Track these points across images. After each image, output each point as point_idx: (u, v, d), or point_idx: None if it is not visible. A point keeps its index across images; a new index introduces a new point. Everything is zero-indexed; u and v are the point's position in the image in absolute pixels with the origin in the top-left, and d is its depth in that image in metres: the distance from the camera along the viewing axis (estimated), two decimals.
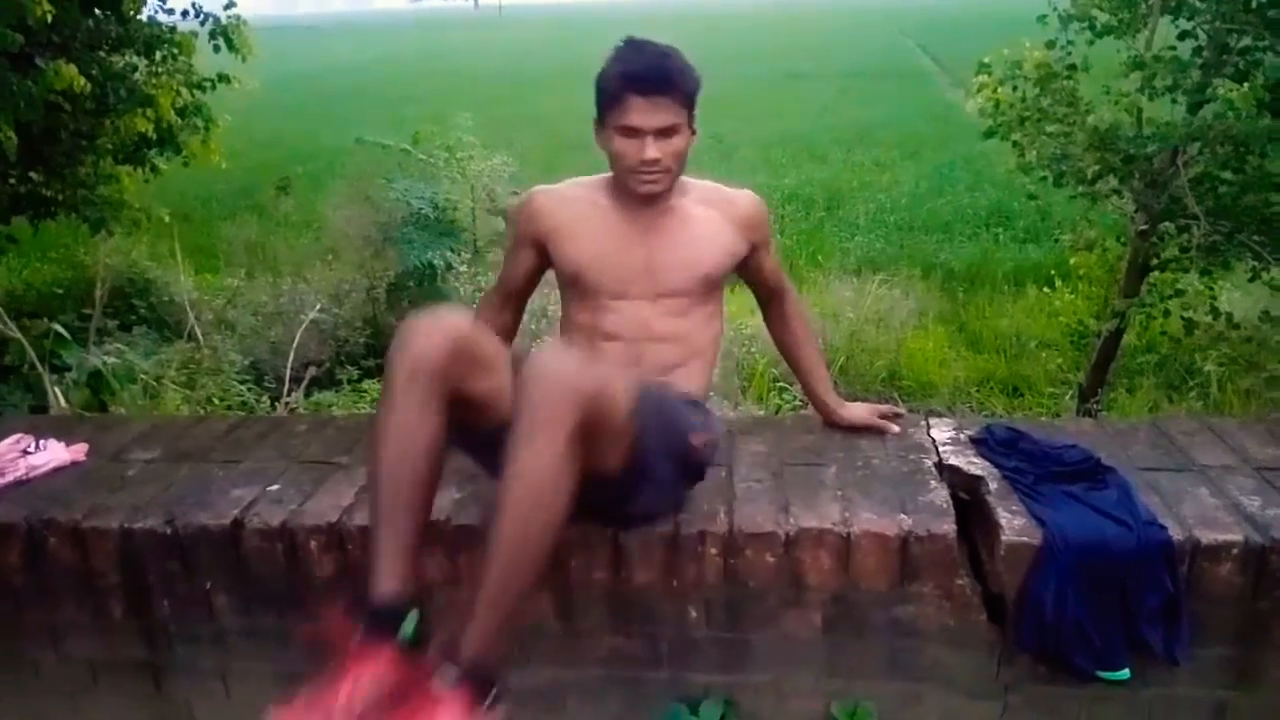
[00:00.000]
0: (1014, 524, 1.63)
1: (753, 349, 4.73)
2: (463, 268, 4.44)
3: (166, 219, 6.61)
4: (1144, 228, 3.93)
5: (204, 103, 5.30)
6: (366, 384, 4.17)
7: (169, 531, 1.76)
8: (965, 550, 1.71)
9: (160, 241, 9.00)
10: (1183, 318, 3.92)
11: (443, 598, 1.74)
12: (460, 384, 1.50)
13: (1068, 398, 5.52)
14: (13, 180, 4.22)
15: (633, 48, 1.69)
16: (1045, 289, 6.82)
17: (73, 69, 3.13)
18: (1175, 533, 1.58)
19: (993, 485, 1.75)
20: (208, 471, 1.96)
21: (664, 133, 1.67)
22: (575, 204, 1.82)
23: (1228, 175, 3.68)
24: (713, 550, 1.65)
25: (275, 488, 1.87)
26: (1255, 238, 3.55)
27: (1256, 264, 3.65)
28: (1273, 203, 3.79)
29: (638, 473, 1.55)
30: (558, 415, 1.34)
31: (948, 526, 1.63)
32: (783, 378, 5.09)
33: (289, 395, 3.70)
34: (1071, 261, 4.97)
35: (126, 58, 4.10)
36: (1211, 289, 3.85)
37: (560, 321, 1.93)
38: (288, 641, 1.81)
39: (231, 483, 1.90)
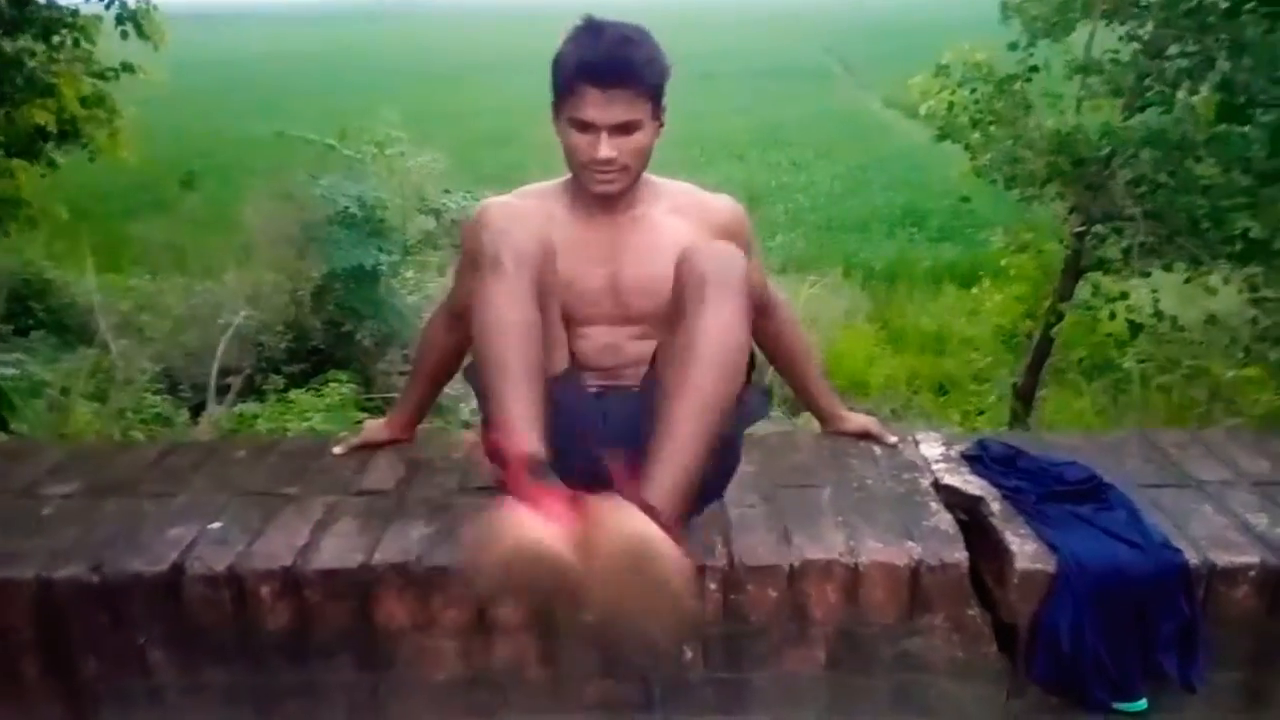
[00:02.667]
0: (1025, 549, 1.55)
1: None
2: (409, 272, 4.22)
3: (65, 216, 6.18)
4: (1080, 229, 3.97)
5: (106, 93, 4.95)
6: (294, 394, 3.92)
7: (96, 580, 1.56)
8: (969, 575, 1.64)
9: (58, 240, 8.46)
10: (1128, 320, 3.98)
11: (409, 645, 1.58)
12: (539, 298, 1.47)
13: (993, 397, 5.60)
14: None
15: (591, 31, 1.53)
16: (972, 289, 6.93)
17: None
18: (1190, 555, 1.53)
19: (995, 506, 1.68)
20: (137, 507, 1.75)
21: (622, 129, 1.52)
22: (531, 215, 1.62)
23: (1163, 178, 3.74)
24: (711, 585, 1.54)
25: (217, 525, 1.67)
26: (1191, 240, 3.62)
27: (1192, 267, 3.72)
28: (1201, 205, 3.87)
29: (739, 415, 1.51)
30: (740, 287, 1.41)
31: (959, 555, 1.54)
32: None
33: (213, 406, 3.44)
34: (1003, 263, 5.03)
35: (20, 42, 3.76)
36: (1155, 292, 3.92)
37: None
38: (236, 698, 1.63)
39: (167, 520, 1.69)
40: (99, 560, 1.58)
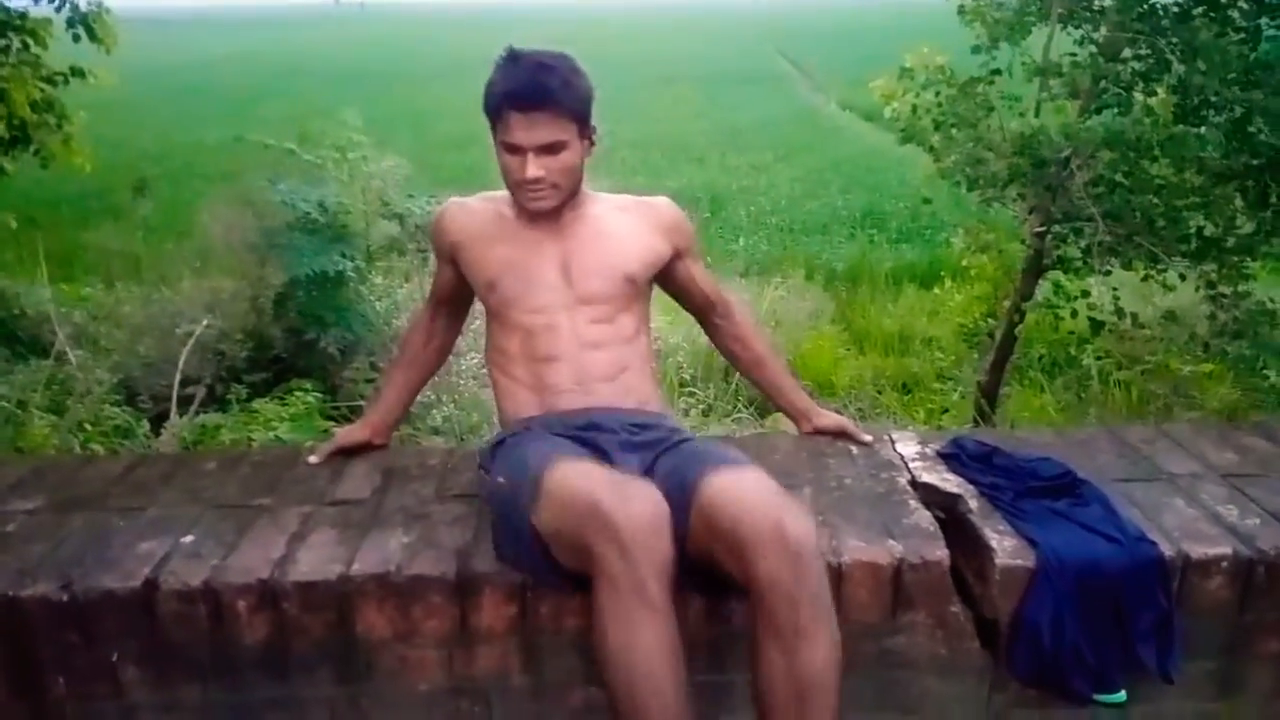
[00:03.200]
0: (1005, 546, 1.57)
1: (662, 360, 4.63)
2: (377, 278, 4.17)
3: (14, 225, 6.02)
4: (1040, 230, 4.03)
5: (55, 98, 4.83)
6: (258, 403, 3.85)
7: (65, 599, 1.52)
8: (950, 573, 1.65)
9: (7, 249, 8.23)
10: (1089, 318, 4.05)
11: (391, 655, 1.56)
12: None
13: (957, 395, 5.67)
14: None
15: (511, 61, 1.62)
16: (934, 289, 7.00)
17: None
18: (1165, 548, 1.55)
19: (973, 504, 1.70)
20: (106, 522, 1.71)
21: (547, 149, 1.61)
22: (483, 216, 1.76)
23: (1119, 178, 3.82)
24: (692, 588, 1.53)
25: (190, 539, 1.64)
26: (1149, 238, 3.70)
27: (1150, 265, 3.80)
28: (1157, 205, 3.95)
29: None
30: (828, 599, 1.34)
31: (940, 552, 1.56)
32: (692, 382, 5.03)
33: (174, 418, 3.36)
34: (964, 263, 5.09)
35: None
36: (1115, 290, 3.99)
37: (489, 354, 1.80)
38: (213, 714, 1.59)
39: (137, 534, 1.66)
40: (68, 577, 1.54)
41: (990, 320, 4.82)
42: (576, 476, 1.41)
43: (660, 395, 1.80)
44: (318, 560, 1.57)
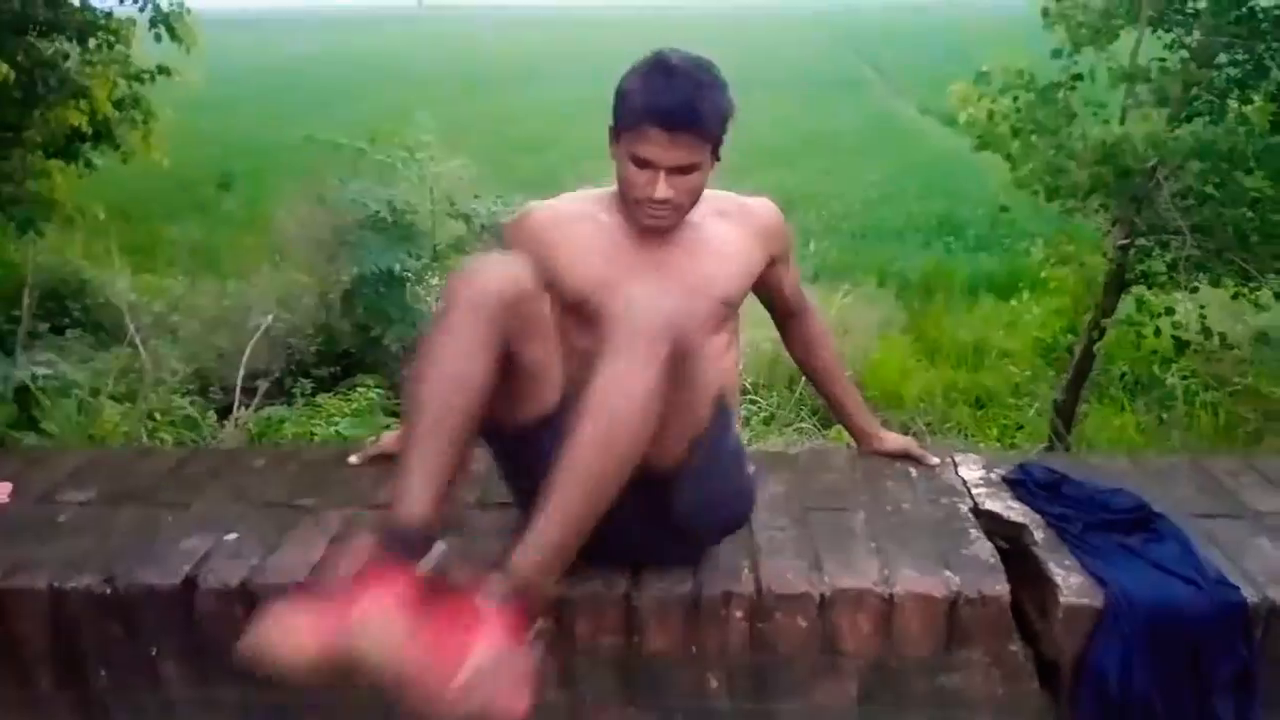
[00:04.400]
0: (1071, 583, 1.47)
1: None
2: (434, 280, 4.19)
3: (102, 216, 6.23)
4: (1123, 242, 3.85)
5: (142, 96, 4.98)
6: (321, 398, 3.90)
7: (108, 592, 1.52)
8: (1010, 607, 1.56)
9: (96, 240, 8.55)
10: (1174, 337, 3.86)
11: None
12: (513, 340, 1.35)
13: (1032, 411, 5.47)
14: None
15: (662, 72, 1.47)
16: (1011, 300, 6.78)
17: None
18: (1248, 592, 1.44)
19: (1038, 535, 1.60)
20: (153, 517, 1.72)
21: (681, 170, 1.50)
22: (577, 222, 1.63)
23: (1210, 190, 3.63)
24: (738, 613, 1.47)
25: (232, 537, 1.64)
26: (1240, 254, 3.51)
27: (1241, 282, 3.60)
28: (1250, 219, 3.75)
29: (695, 475, 1.40)
30: (657, 337, 1.27)
31: (1000, 587, 1.47)
32: (754, 389, 4.94)
33: (238, 410, 3.42)
34: (1043, 275, 4.91)
35: (57, 44, 3.78)
36: (1203, 308, 3.80)
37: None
38: (249, 714, 1.59)
39: (182, 530, 1.66)
40: (111, 571, 1.55)
41: (1069, 335, 4.63)
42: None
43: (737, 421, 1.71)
44: (355, 565, 1.54)
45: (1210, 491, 1.76)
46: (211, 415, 3.80)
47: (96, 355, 4.76)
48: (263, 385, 3.76)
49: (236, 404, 3.39)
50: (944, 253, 10.31)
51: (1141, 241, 3.84)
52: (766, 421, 4.76)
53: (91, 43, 4.02)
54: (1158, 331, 3.94)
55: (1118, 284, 4.02)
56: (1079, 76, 3.47)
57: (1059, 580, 1.47)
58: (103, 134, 4.20)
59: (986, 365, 6.74)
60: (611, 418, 1.24)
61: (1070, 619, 1.44)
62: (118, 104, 4.67)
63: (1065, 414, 4.37)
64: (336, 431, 3.40)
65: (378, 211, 4.36)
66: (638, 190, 1.52)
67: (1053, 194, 3.59)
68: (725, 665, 1.50)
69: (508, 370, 1.37)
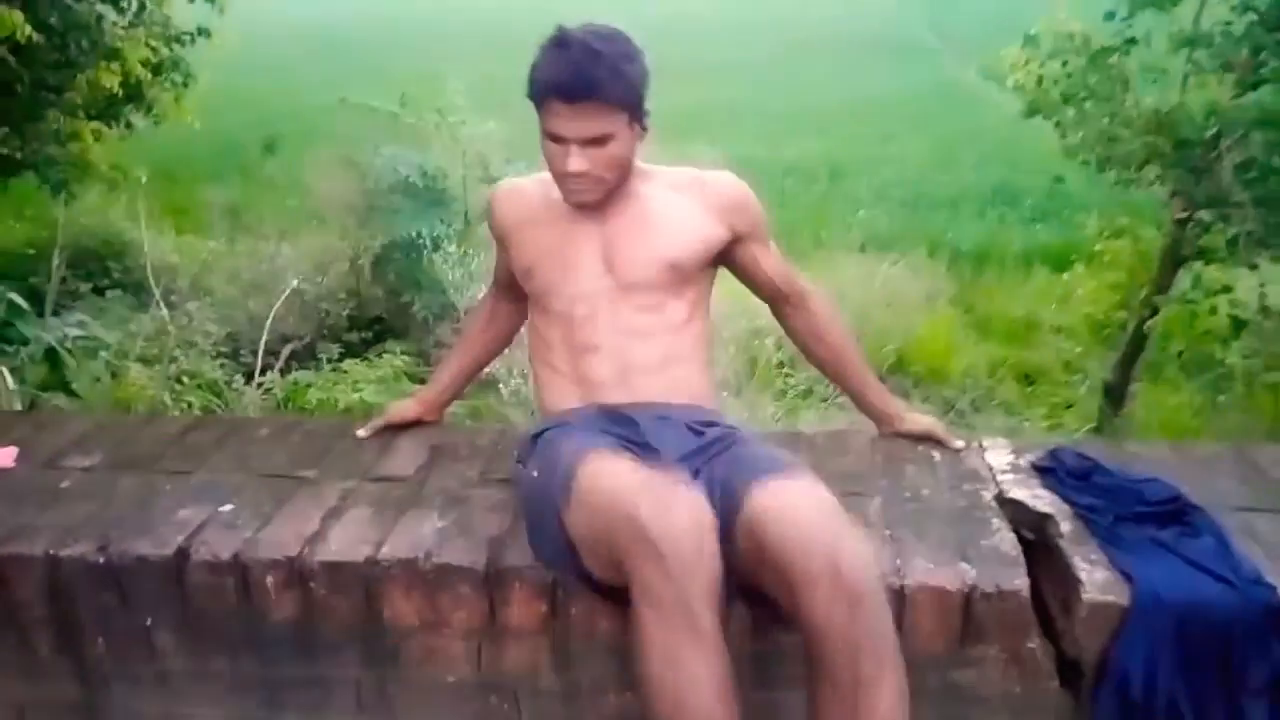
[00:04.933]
0: (1095, 578, 1.38)
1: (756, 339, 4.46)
2: (451, 248, 4.14)
3: (144, 179, 6.29)
4: (1181, 216, 3.66)
5: (181, 58, 4.98)
6: (348, 363, 3.89)
7: (102, 561, 1.51)
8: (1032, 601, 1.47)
9: (140, 202, 8.65)
10: (1231, 315, 3.68)
11: (418, 644, 1.49)
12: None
13: (1084, 390, 5.30)
14: None
15: (558, 46, 1.44)
16: (1061, 274, 6.56)
17: (17, 15, 2.81)
18: None
19: (1064, 526, 1.51)
20: (153, 484, 1.70)
21: (593, 141, 1.46)
22: (530, 200, 1.64)
23: (1275, 162, 3.42)
24: (737, 600, 1.40)
25: (228, 508, 1.61)
26: None
27: None
28: None
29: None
30: (893, 641, 1.19)
31: (1019, 581, 1.38)
32: (790, 363, 4.84)
33: (262, 374, 3.41)
34: (1097, 248, 4.71)
35: (93, 6, 3.77)
36: (1263, 285, 3.61)
37: (531, 342, 1.69)
38: (242, 687, 1.57)
39: (179, 500, 1.64)
40: (107, 540, 1.53)
41: (1122, 312, 4.45)
42: (611, 476, 1.30)
43: (714, 390, 1.65)
44: (348, 540, 1.51)
45: (1254, 483, 1.65)
46: (239, 378, 3.81)
47: (134, 317, 4.82)
48: (285, 350, 3.75)
49: (257, 369, 3.38)
50: (998, 223, 10.02)
51: (1201, 215, 3.65)
52: (804, 395, 4.66)
53: (124, 3, 4.00)
54: (1214, 310, 3.76)
55: (1174, 259, 3.83)
56: (1133, 41, 3.27)
57: (1083, 576, 1.38)
58: (136, 97, 4.20)
59: (1038, 341, 6.55)
60: None
61: (1093, 616, 1.35)
62: (156, 67, 4.68)
63: (1115, 394, 4.21)
64: (361, 398, 3.39)
65: (408, 176, 4.32)
66: (556, 165, 1.50)
67: (1103, 164, 3.41)
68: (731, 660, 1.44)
69: None
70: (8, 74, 3.51)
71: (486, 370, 2.46)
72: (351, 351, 4.35)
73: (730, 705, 1.19)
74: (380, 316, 4.86)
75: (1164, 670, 1.33)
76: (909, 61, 19.78)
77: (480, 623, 1.47)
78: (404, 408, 1.90)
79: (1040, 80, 3.41)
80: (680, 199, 1.60)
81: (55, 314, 4.26)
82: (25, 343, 3.64)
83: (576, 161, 1.46)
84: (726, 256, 1.66)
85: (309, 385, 3.60)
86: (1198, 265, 3.74)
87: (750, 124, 13.25)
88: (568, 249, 1.59)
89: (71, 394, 3.37)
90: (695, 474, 1.38)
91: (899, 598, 1.38)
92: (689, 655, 1.17)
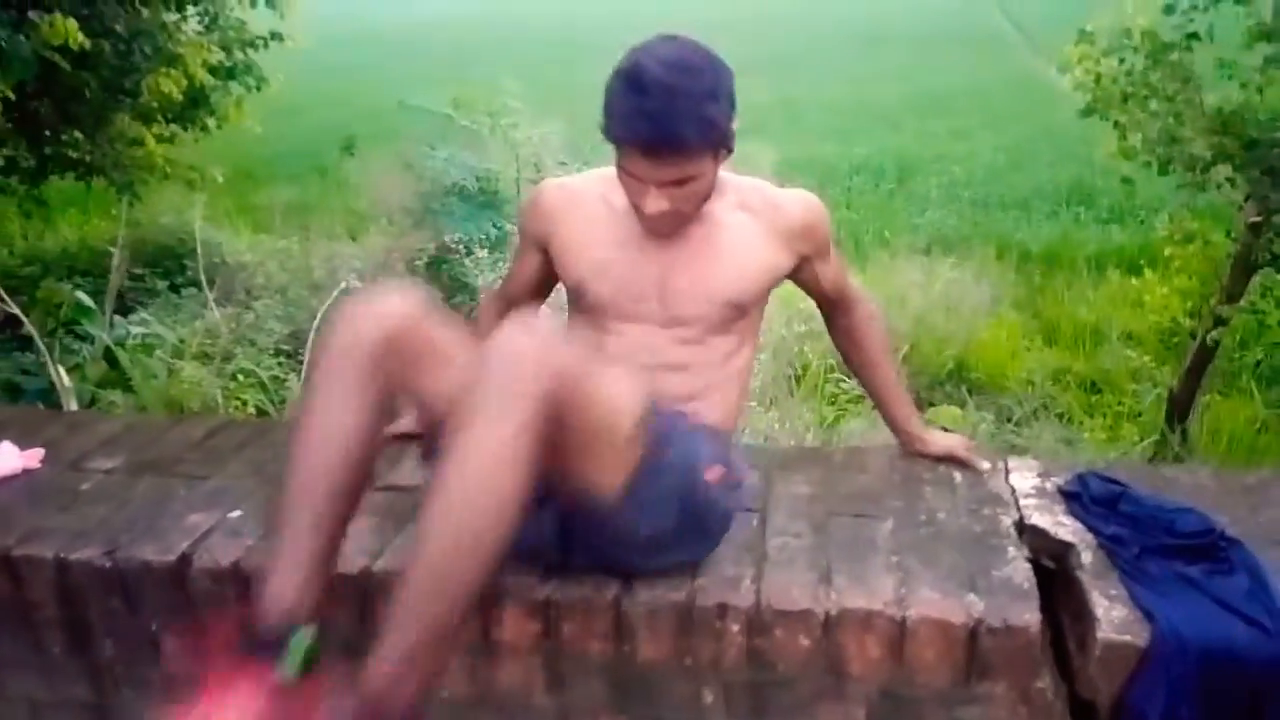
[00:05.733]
0: (1113, 616, 1.30)
1: (804, 346, 4.37)
2: (483, 252, 4.14)
3: (220, 179, 6.48)
4: (1256, 219, 3.47)
5: (254, 62, 5.10)
6: None
7: (108, 565, 1.53)
8: (1048, 635, 1.40)
9: (216, 200, 8.91)
10: None
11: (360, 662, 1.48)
12: (405, 379, 1.27)
13: (1150, 400, 5.08)
14: (42, 141, 4.07)
15: (635, 90, 1.30)
16: (1132, 278, 6.31)
17: (71, 23, 2.90)
18: None
19: (1086, 557, 1.42)
20: (169, 489, 1.72)
21: (676, 183, 1.35)
22: (587, 202, 1.52)
23: None
24: (734, 626, 1.36)
25: (236, 514, 1.62)
26: None
27: None
28: None
29: (633, 505, 1.28)
30: (519, 389, 1.11)
31: (1029, 616, 1.31)
32: (839, 368, 4.74)
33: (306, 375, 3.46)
34: (1166, 252, 4.51)
35: (158, 13, 3.88)
36: None
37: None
38: None
39: (190, 505, 1.66)
40: (116, 544, 1.55)
41: (1192, 320, 4.25)
42: None
43: (735, 421, 1.58)
44: (346, 551, 1.49)
45: None
46: (294, 378, 3.88)
47: (205, 314, 4.95)
48: None
49: (305, 368, 3.43)
50: (1072, 224, 9.69)
51: (1277, 219, 3.45)
52: (856, 400, 4.56)
53: (189, 10, 4.11)
54: None
55: (1246, 266, 3.64)
56: (1193, 36, 3.10)
57: (1099, 613, 1.31)
58: (200, 101, 4.32)
59: (1106, 348, 6.30)
60: (460, 497, 1.09)
61: (1109, 656, 1.28)
62: (229, 71, 4.80)
63: (1181, 404, 4.02)
64: None
65: (462, 179, 4.35)
66: (633, 199, 1.40)
67: (1166, 166, 3.25)
68: (721, 680, 1.40)
69: (419, 403, 1.33)
70: (76, 80, 3.63)
71: None
72: None
73: (344, 453, 1.23)
74: None
75: (1184, 718, 1.24)
76: (981, 54, 19.25)
77: (473, 639, 1.45)
78: (406, 421, 1.89)
79: (1099, 78, 3.26)
80: (749, 224, 1.49)
81: (121, 313, 4.41)
82: (91, 340, 3.78)
83: (655, 203, 1.36)
84: (790, 273, 1.58)
85: None
86: (1269, 272, 3.54)
87: (815, 121, 13.07)
88: (625, 272, 1.49)
89: (131, 391, 3.48)
90: None
91: (899, 629, 1.32)
92: (328, 397, 1.24)
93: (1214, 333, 3.59)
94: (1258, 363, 4.85)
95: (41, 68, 3.06)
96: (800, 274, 1.59)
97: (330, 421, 1.24)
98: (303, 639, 1.14)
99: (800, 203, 1.54)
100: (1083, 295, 7.43)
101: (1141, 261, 5.95)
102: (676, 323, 1.49)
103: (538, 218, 1.59)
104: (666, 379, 1.48)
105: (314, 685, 1.13)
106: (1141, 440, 4.29)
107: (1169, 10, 3.04)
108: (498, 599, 1.42)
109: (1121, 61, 3.18)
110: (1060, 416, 4.80)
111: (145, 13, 3.79)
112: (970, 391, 5.20)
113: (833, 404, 4.45)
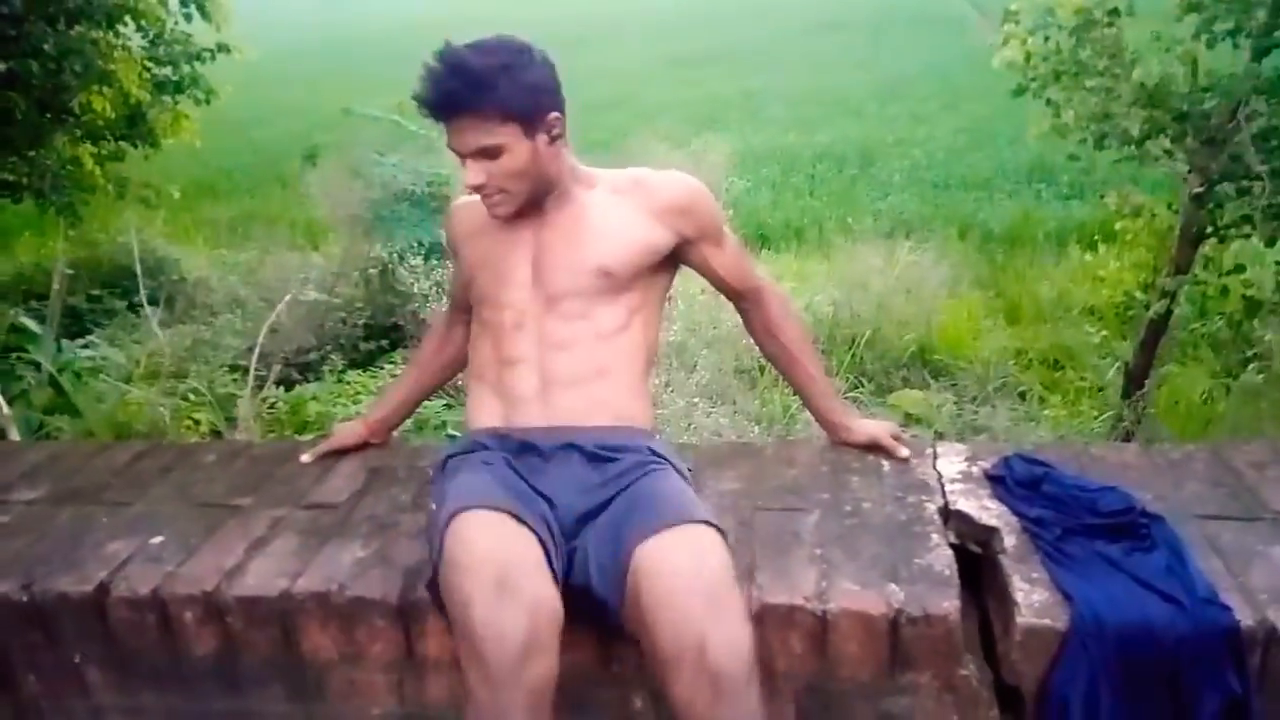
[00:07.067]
0: (1033, 600, 1.30)
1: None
2: (416, 260, 4.10)
3: (176, 195, 6.41)
4: (1199, 190, 3.48)
5: (200, 75, 5.04)
6: (352, 374, 3.89)
7: (25, 600, 1.50)
8: (976, 621, 1.40)
9: (176, 216, 8.81)
10: (1244, 296, 3.50)
11: (340, 677, 1.46)
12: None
13: (1110, 374, 5.11)
14: None
15: (428, 64, 1.40)
16: (1088, 253, 6.35)
17: None
18: (1243, 614, 1.24)
19: (1009, 541, 1.42)
20: (91, 517, 1.69)
21: (485, 153, 1.43)
22: (479, 212, 1.57)
23: None
24: None
25: (158, 540, 1.59)
26: None
27: None
28: None
29: None
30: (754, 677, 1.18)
31: (948, 604, 1.30)
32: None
33: (252, 389, 3.41)
34: (1117, 227, 4.53)
35: (86, 31, 3.80)
36: (1278, 263, 3.42)
37: (470, 356, 1.65)
38: None
39: (112, 533, 1.63)
40: (31, 577, 1.52)
41: (1143, 293, 4.26)
42: (467, 553, 1.23)
43: (645, 405, 1.58)
44: (266, 573, 1.48)
45: (1227, 487, 1.54)
46: (245, 393, 3.83)
47: (164, 332, 4.88)
48: (276, 364, 3.75)
49: (250, 383, 3.38)
50: (1034, 201, 9.75)
51: (1220, 189, 3.47)
52: None
53: (130, 27, 4.05)
54: (1225, 291, 3.57)
55: (1193, 237, 3.66)
56: (1115, 12, 3.10)
57: (1019, 598, 1.30)
58: (137, 119, 4.26)
59: (1068, 324, 6.34)
60: None
61: (1029, 641, 1.27)
62: (176, 85, 4.74)
63: (1136, 377, 4.03)
64: (357, 411, 3.37)
65: (411, 185, 4.31)
66: (465, 179, 1.47)
67: (1100, 142, 3.25)
68: (649, 685, 1.38)
69: None
70: (5, 101, 3.57)
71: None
72: (370, 360, 4.35)
73: None
74: (397, 324, 4.86)
75: (1106, 699, 1.24)
76: (943, 35, 19.29)
77: (399, 655, 1.43)
78: (350, 431, 1.87)
79: (1028, 57, 3.25)
80: (621, 203, 1.56)
81: (79, 334, 4.35)
82: (38, 366, 3.71)
83: (471, 174, 1.45)
84: (679, 257, 1.61)
85: (313, 398, 3.60)
86: (1219, 244, 3.56)
87: (777, 111, 13.08)
88: (502, 259, 1.56)
89: (77, 416, 3.42)
90: (576, 534, 1.35)
91: (821, 624, 1.31)
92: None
93: (1159, 305, 3.60)
94: (1217, 331, 4.87)
95: None
96: (689, 258, 1.62)
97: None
98: None
99: (674, 183, 1.58)
100: (1044, 272, 7.46)
101: (1097, 237, 5.97)
102: (554, 300, 1.53)
103: (451, 234, 1.69)
104: (555, 360, 1.51)
105: None
106: (1100, 415, 4.31)
107: None
108: (420, 613, 1.40)
109: (1046, 39, 3.18)
110: (1022, 395, 4.81)
111: (74, 31, 3.72)
112: (933, 374, 5.21)
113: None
